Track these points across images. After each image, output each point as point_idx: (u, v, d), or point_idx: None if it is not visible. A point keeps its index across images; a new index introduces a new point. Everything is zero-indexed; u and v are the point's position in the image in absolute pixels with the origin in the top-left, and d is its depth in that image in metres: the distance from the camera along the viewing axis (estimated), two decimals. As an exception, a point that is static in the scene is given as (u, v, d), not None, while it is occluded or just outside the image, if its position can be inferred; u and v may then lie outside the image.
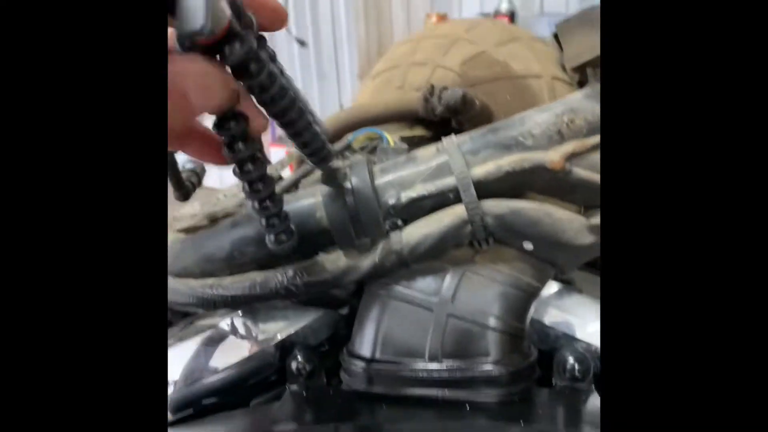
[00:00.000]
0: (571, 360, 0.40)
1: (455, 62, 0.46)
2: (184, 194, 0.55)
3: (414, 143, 0.50)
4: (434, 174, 0.38)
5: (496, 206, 0.37)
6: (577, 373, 0.40)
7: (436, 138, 0.50)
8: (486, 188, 0.38)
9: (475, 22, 0.52)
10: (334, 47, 3.22)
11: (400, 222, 0.39)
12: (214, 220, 0.47)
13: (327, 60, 3.26)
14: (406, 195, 0.38)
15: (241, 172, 0.30)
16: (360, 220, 0.38)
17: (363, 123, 0.47)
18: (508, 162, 0.37)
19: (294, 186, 0.46)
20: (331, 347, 0.46)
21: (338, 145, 0.44)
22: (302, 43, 3.11)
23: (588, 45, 0.47)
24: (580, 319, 0.44)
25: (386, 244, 0.38)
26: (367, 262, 0.38)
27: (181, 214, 0.63)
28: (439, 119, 0.45)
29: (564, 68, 0.49)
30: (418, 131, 0.48)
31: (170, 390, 0.46)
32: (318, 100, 3.25)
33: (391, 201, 0.38)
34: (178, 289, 0.41)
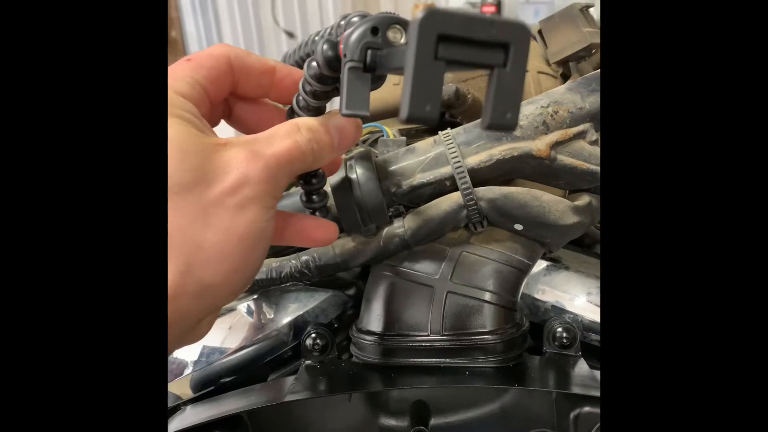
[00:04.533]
0: (559, 329, 0.44)
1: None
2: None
3: (411, 135, 0.54)
4: (432, 164, 0.42)
5: (489, 192, 0.41)
6: (564, 341, 0.44)
7: (431, 131, 0.54)
8: (479, 176, 0.41)
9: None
10: (323, 39, 3.23)
11: (402, 208, 0.42)
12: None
13: (315, 51, 3.27)
14: (407, 183, 0.42)
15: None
16: (366, 207, 0.41)
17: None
18: (498, 151, 0.41)
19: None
20: (339, 325, 0.50)
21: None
22: (290, 34, 3.13)
23: (570, 41, 0.51)
24: (568, 294, 0.48)
25: (390, 229, 0.42)
26: (373, 245, 0.42)
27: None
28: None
29: (548, 62, 0.52)
30: (414, 124, 0.52)
31: (189, 369, 0.50)
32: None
33: (394, 189, 0.42)
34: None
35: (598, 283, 0.47)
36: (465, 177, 0.41)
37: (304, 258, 0.43)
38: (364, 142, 0.48)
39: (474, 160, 0.41)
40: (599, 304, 0.46)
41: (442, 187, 0.42)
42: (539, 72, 0.51)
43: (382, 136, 0.47)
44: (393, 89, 0.53)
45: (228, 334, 0.49)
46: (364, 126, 0.47)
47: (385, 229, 0.42)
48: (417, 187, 0.41)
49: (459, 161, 0.41)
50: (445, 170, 0.41)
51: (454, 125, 0.47)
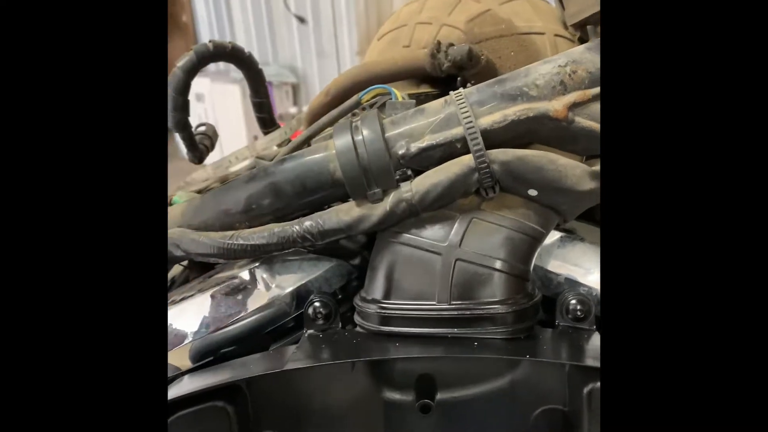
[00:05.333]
0: (573, 301, 0.42)
1: (460, 20, 0.48)
2: (198, 157, 0.57)
3: (421, 100, 0.51)
4: (442, 125, 0.40)
5: (502, 154, 0.39)
6: (579, 313, 0.42)
7: (442, 94, 0.52)
8: (492, 138, 0.39)
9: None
10: (334, 24, 3.20)
11: (409, 172, 0.40)
12: (225, 182, 0.49)
13: (326, 37, 3.24)
14: (416, 145, 0.40)
15: None
16: (371, 170, 0.40)
17: (371, 81, 0.48)
18: (513, 111, 0.39)
19: (306, 143, 0.47)
20: (344, 296, 0.48)
21: (348, 103, 0.45)
22: (301, 20, 3.10)
23: (588, 3, 0.48)
24: (582, 268, 0.46)
25: (397, 194, 0.40)
26: (379, 210, 0.40)
27: (192, 178, 0.64)
28: (445, 75, 0.47)
29: (565, 26, 0.50)
30: (425, 88, 0.50)
31: (188, 339, 0.48)
32: (318, 78, 3.24)
33: (401, 151, 0.40)
34: (200, 241, 0.43)
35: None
36: (477, 138, 0.39)
37: (307, 223, 0.41)
38: (371, 105, 0.46)
39: (487, 120, 0.39)
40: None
41: (453, 149, 0.40)
42: (556, 35, 0.49)
43: (390, 98, 0.45)
44: (403, 51, 0.51)
45: (229, 302, 0.47)
46: (371, 88, 0.45)
47: (392, 194, 0.40)
48: (426, 149, 0.39)
49: (471, 121, 0.39)
50: (457, 131, 0.39)
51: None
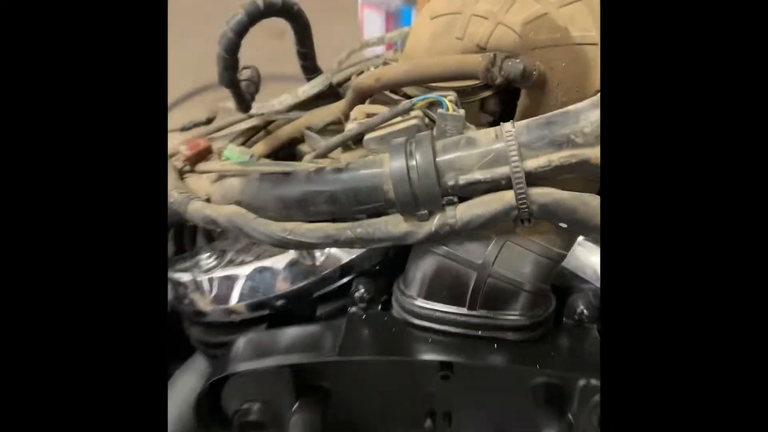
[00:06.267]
0: (581, 306, 0.50)
1: (517, 21, 0.47)
2: (246, 107, 0.59)
3: (467, 93, 0.53)
4: (491, 162, 0.43)
5: (541, 196, 0.43)
6: (585, 318, 0.50)
7: (485, 87, 0.53)
8: (534, 177, 0.43)
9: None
10: None
11: (455, 199, 0.45)
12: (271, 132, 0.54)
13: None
14: (464, 179, 0.43)
15: None
16: (421, 195, 0.44)
17: (424, 79, 0.50)
18: (557, 157, 0.42)
19: (360, 137, 0.50)
20: (381, 268, 0.55)
21: (402, 106, 0.47)
22: None
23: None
24: (589, 264, 0.52)
25: (442, 217, 0.44)
26: (425, 229, 0.45)
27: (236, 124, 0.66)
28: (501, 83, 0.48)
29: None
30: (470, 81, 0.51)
31: (240, 281, 0.56)
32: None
33: (451, 183, 0.43)
34: (260, 230, 0.48)
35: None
36: (522, 182, 0.42)
37: (359, 230, 0.46)
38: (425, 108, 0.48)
39: (533, 163, 0.42)
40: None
41: (498, 185, 0.43)
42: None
43: (441, 107, 0.47)
44: (455, 44, 0.51)
45: (284, 270, 0.54)
46: (425, 97, 0.47)
47: (437, 216, 0.45)
48: (473, 183, 0.43)
49: (518, 166, 0.42)
50: (503, 170, 0.43)
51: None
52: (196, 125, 0.72)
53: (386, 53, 0.85)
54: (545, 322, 0.48)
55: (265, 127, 0.64)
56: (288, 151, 0.63)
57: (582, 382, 0.47)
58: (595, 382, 0.47)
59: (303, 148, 0.62)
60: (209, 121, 0.73)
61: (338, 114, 0.57)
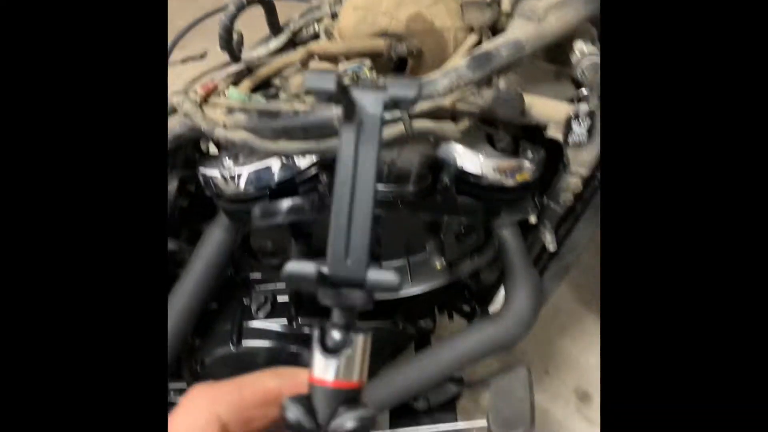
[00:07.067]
0: (446, 179, 0.90)
1: (403, 17, 0.81)
2: (236, 59, 0.92)
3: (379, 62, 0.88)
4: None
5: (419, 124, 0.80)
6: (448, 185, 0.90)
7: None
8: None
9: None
10: None
11: None
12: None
13: None
14: None
15: None
16: None
17: (351, 54, 0.84)
18: (426, 106, 0.80)
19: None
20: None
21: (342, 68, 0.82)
22: None
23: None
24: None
25: None
26: None
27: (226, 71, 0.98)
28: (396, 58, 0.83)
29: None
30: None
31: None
32: None
33: None
34: (261, 147, 0.84)
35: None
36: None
37: (322, 146, 0.84)
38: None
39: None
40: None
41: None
42: (457, 29, 0.84)
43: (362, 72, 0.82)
44: (370, 29, 0.85)
45: (275, 168, 0.91)
46: (355, 67, 0.82)
47: None
48: None
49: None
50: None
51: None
52: (193, 59, 1.05)
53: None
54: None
55: (249, 70, 0.97)
56: (266, 85, 0.96)
57: (446, 219, 0.89)
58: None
59: (276, 83, 0.96)
60: (202, 56, 1.05)
61: (296, 62, 0.91)
